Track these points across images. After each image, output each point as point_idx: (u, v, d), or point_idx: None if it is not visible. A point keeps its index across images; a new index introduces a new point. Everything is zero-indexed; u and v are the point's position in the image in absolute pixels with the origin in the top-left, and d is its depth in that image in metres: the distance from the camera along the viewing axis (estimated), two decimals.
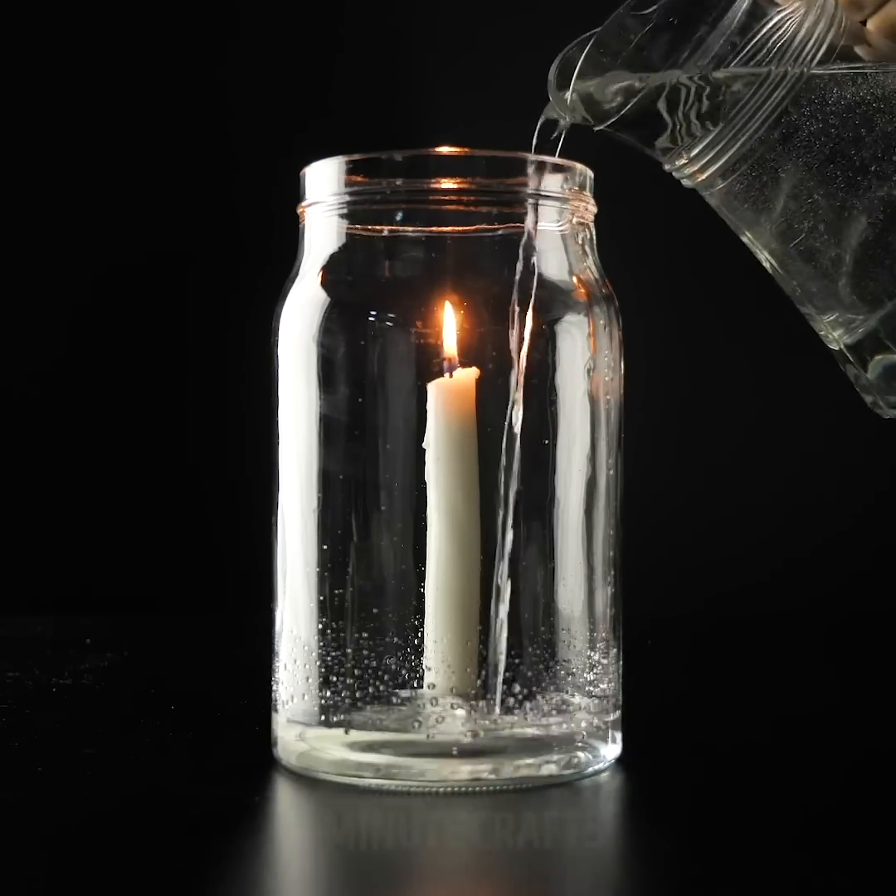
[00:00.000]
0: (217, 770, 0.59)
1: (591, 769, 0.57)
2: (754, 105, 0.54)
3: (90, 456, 1.11)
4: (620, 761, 0.58)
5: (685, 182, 0.58)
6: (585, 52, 0.56)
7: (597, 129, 0.57)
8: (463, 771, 0.55)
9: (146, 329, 1.12)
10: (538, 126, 0.57)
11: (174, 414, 1.11)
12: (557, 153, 0.58)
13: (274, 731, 0.59)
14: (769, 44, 0.54)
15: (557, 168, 0.57)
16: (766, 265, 0.58)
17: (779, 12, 0.55)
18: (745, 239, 0.58)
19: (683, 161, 0.56)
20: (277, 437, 0.59)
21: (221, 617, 1.02)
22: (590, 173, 0.59)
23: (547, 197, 0.57)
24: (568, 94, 0.57)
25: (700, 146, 0.56)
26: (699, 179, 0.57)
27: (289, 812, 0.55)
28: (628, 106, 0.56)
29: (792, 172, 0.55)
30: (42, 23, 1.10)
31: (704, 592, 1.05)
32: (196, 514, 1.11)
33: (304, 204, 0.59)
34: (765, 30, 0.54)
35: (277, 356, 0.59)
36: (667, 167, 0.57)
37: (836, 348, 0.57)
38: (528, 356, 0.56)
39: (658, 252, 1.08)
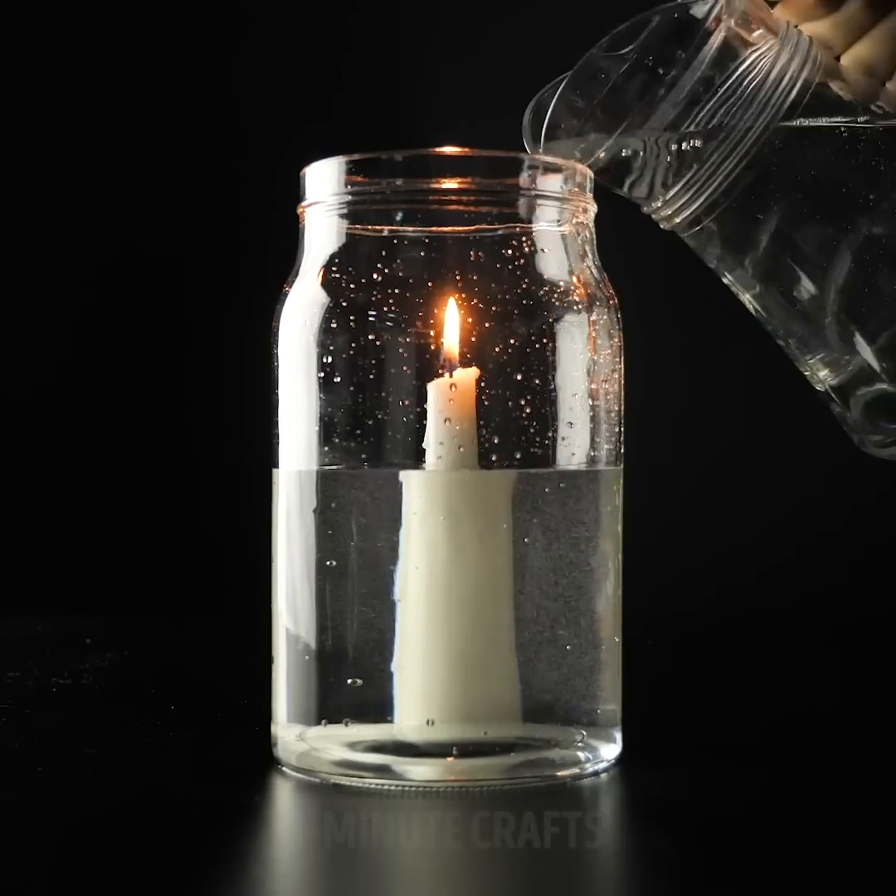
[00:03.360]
0: (217, 770, 0.59)
1: (591, 769, 0.57)
2: (724, 151, 0.54)
3: (90, 456, 1.11)
4: (620, 761, 0.58)
5: (664, 225, 0.58)
6: (556, 98, 0.56)
7: None
8: (462, 771, 0.55)
9: (146, 329, 1.12)
10: None
11: (174, 414, 1.11)
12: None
13: (274, 731, 0.59)
14: (744, 84, 0.54)
15: (558, 168, 0.57)
16: (749, 307, 0.58)
17: (753, 51, 0.55)
18: (726, 280, 0.58)
19: (659, 204, 0.57)
20: (277, 438, 0.59)
21: (221, 617, 1.02)
22: (590, 173, 0.59)
23: (547, 197, 0.57)
24: (540, 148, 0.57)
25: (674, 191, 0.56)
26: (675, 222, 0.57)
27: (289, 812, 0.55)
28: (595, 159, 0.56)
29: (770, 215, 0.55)
30: (44, 24, 1.10)
31: (704, 591, 1.05)
32: (196, 514, 1.11)
33: (304, 204, 0.59)
34: (740, 70, 0.54)
35: (277, 356, 0.59)
36: (645, 210, 0.58)
37: (823, 389, 0.57)
38: (527, 356, 0.56)
39: (658, 252, 1.08)
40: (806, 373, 0.57)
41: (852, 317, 0.55)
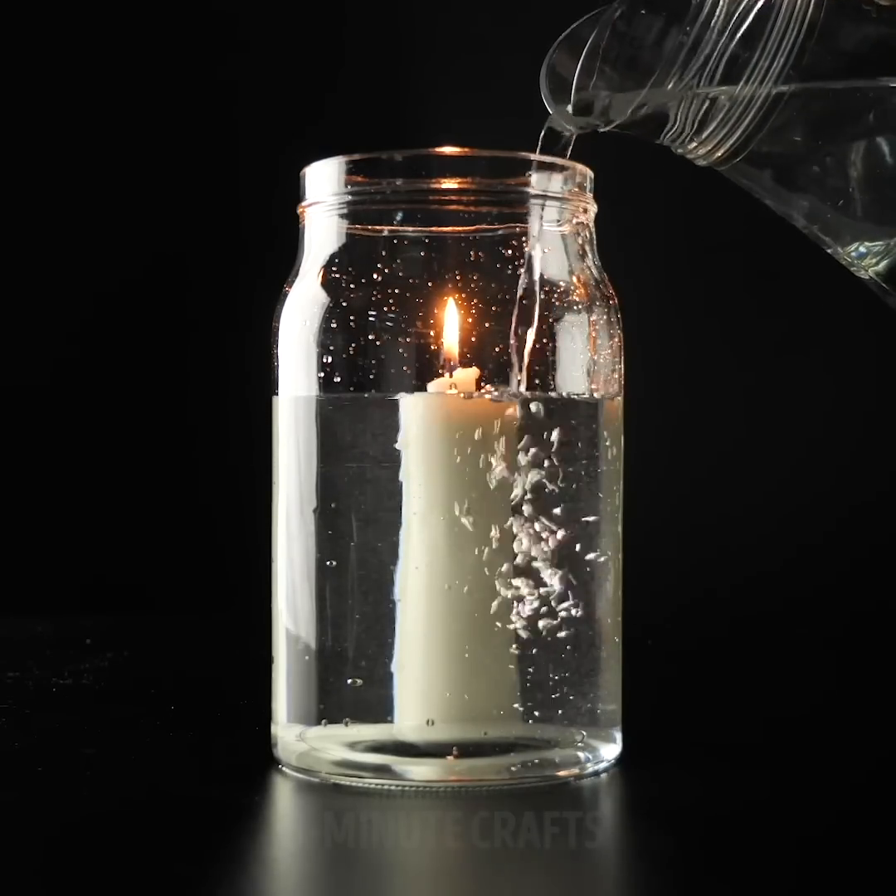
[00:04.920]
0: (217, 770, 0.59)
1: (591, 769, 0.57)
2: (754, 85, 0.54)
3: (91, 456, 1.11)
4: (620, 761, 0.58)
5: (700, 162, 0.58)
6: (580, 64, 0.56)
7: (602, 130, 0.57)
8: (462, 771, 0.55)
9: (146, 329, 1.12)
10: (541, 137, 0.57)
11: (175, 414, 1.11)
12: (567, 158, 0.58)
13: (274, 731, 0.59)
14: (762, 15, 0.54)
15: (558, 168, 0.57)
16: (784, 215, 0.58)
17: None
18: (768, 202, 0.58)
19: (694, 145, 0.56)
20: (277, 438, 0.59)
21: (222, 617, 1.02)
22: (590, 173, 0.59)
23: (547, 197, 0.57)
24: (569, 108, 0.57)
25: (708, 131, 0.55)
26: (713, 159, 0.57)
27: (289, 812, 0.55)
28: (630, 112, 0.56)
29: (798, 129, 0.55)
30: (42, 26, 1.10)
31: (704, 591, 1.05)
32: (196, 514, 1.11)
33: (304, 204, 0.59)
34: (754, 3, 0.54)
35: (277, 356, 0.59)
36: (679, 151, 0.57)
37: (867, 277, 0.57)
38: (527, 357, 0.56)
39: (658, 252, 1.08)
40: (845, 262, 0.57)
41: (878, 201, 0.55)
